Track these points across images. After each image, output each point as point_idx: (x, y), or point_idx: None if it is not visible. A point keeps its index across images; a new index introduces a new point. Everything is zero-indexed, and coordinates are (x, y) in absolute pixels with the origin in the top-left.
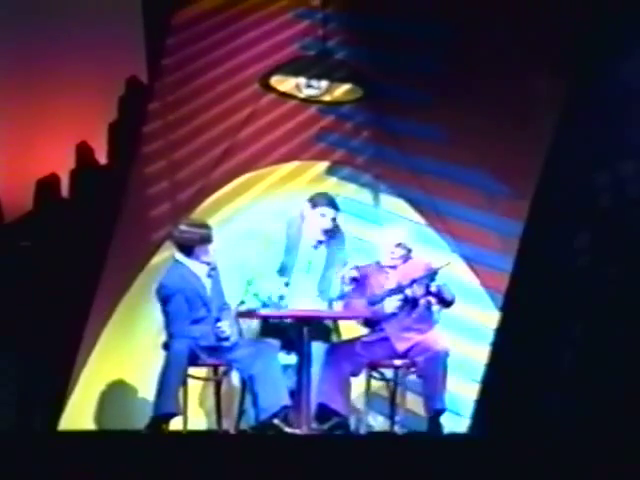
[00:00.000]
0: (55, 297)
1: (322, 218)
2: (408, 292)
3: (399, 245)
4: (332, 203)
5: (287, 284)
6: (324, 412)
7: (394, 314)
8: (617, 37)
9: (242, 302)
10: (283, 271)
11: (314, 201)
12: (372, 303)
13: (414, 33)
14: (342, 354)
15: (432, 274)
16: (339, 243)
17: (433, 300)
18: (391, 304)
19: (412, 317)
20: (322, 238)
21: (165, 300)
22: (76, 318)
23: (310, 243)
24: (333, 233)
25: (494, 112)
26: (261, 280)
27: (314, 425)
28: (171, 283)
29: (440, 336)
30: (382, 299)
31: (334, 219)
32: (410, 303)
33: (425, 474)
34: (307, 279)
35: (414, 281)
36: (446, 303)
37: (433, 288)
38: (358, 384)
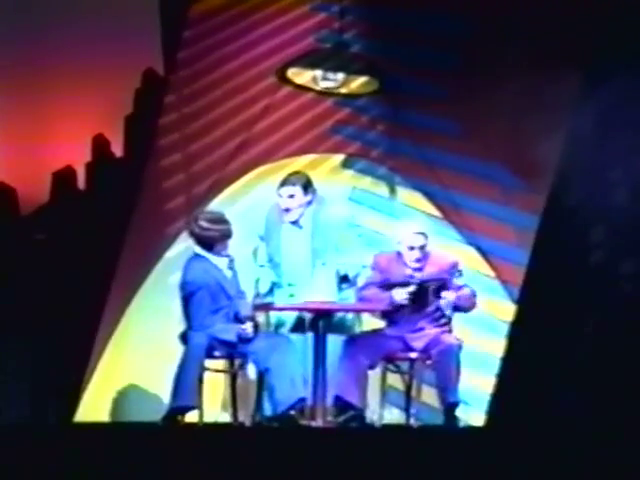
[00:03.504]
0: (71, 290)
1: (280, 199)
2: (411, 288)
3: (418, 235)
4: (283, 182)
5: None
6: (340, 404)
7: (405, 309)
8: (633, 34)
9: (257, 294)
10: (270, 260)
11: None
12: (381, 286)
13: (430, 26)
14: (360, 347)
15: (442, 283)
16: (318, 210)
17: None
18: (400, 295)
19: (425, 319)
20: (292, 218)
21: (189, 296)
22: (92, 311)
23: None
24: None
25: (510, 105)
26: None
27: (329, 418)
28: (195, 278)
29: (452, 329)
30: (391, 287)
31: (291, 196)
32: (419, 299)
33: (441, 467)
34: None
35: (424, 281)
36: (462, 309)
37: (444, 305)
38: (373, 377)
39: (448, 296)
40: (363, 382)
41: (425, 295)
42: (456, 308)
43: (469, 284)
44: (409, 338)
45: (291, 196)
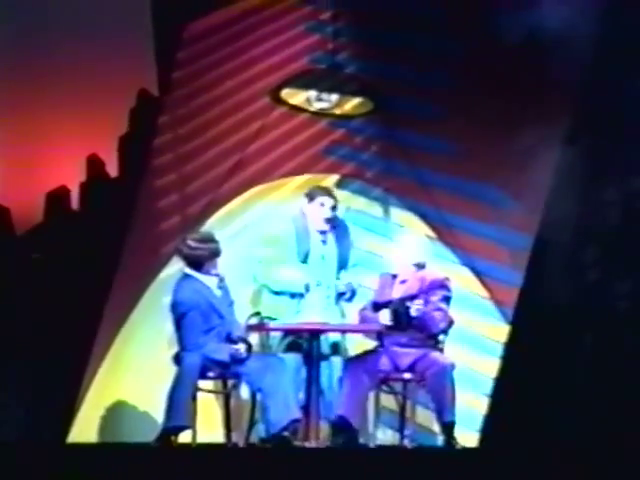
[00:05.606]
0: (65, 310)
1: (321, 207)
2: (391, 308)
3: (417, 265)
4: (329, 192)
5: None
6: (340, 424)
7: (390, 328)
8: (625, 54)
9: (257, 313)
10: (305, 258)
11: (310, 195)
12: (375, 306)
13: (424, 47)
14: (362, 368)
15: (404, 300)
16: (343, 231)
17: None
18: (384, 316)
19: (407, 335)
20: (325, 228)
21: (181, 317)
22: (86, 331)
23: (318, 238)
24: (335, 222)
25: (504, 125)
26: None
27: (323, 439)
28: (186, 299)
29: (443, 349)
30: (380, 307)
31: (334, 207)
32: (400, 319)
33: None
34: (320, 291)
35: (402, 299)
36: (428, 329)
37: (413, 312)
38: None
39: (414, 305)
40: (364, 404)
41: (404, 314)
42: (420, 322)
43: (462, 304)
44: (394, 355)
45: (333, 207)
